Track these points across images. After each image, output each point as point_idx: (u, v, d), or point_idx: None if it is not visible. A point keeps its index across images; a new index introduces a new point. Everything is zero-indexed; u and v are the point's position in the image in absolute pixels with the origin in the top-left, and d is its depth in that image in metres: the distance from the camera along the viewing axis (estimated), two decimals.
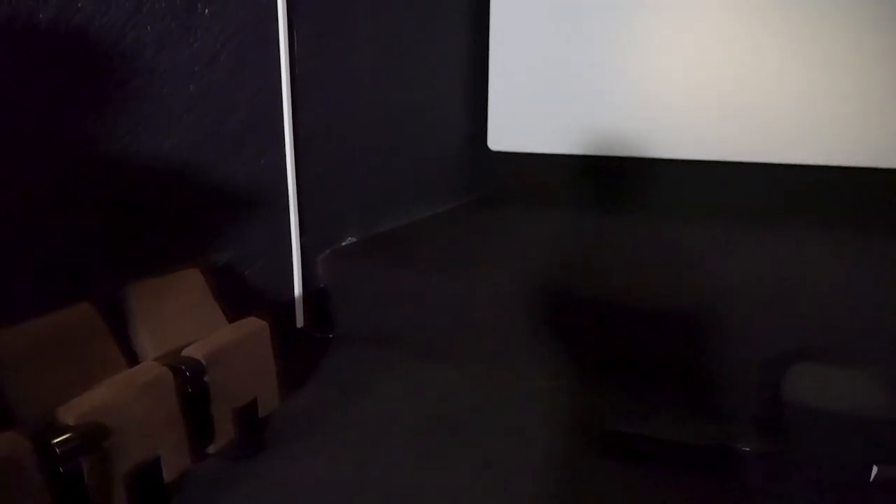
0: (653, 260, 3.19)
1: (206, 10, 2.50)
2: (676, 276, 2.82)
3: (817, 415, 1.96)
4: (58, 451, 1.61)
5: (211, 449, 2.17)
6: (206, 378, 2.09)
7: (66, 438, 1.64)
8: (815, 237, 3.45)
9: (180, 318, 2.28)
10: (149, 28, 2.27)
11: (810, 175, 3.68)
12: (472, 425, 2.38)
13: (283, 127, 2.89)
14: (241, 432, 2.20)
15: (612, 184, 4.35)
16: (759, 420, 2.15)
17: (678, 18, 3.90)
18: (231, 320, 2.44)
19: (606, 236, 3.73)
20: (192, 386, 2.05)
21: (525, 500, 1.89)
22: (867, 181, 3.56)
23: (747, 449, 2.04)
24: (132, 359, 2.16)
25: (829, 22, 3.52)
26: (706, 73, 3.89)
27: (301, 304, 3.05)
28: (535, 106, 4.39)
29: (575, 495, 1.93)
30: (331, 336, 3.08)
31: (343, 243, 3.36)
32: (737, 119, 3.84)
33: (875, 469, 1.75)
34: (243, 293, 2.78)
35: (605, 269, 2.99)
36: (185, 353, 2.11)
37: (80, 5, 2.04)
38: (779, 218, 3.75)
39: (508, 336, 2.77)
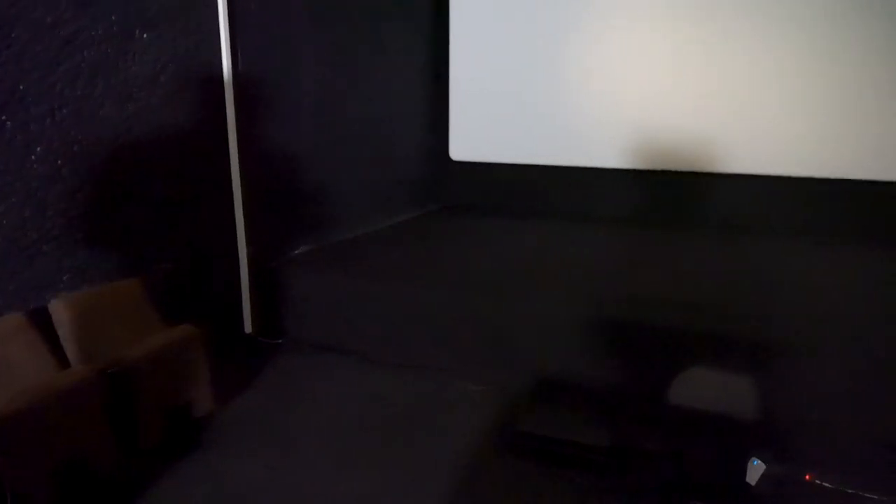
0: (593, 267, 3.29)
1: (145, 35, 2.64)
2: (611, 284, 2.91)
3: (698, 415, 2.07)
4: None
5: (139, 449, 2.25)
6: (132, 382, 2.22)
7: None
8: (738, 245, 3.54)
9: (113, 327, 2.41)
10: (85, 54, 2.41)
11: (761, 184, 3.78)
12: (403, 427, 2.48)
13: (227, 140, 3.01)
14: (171, 434, 2.31)
15: (568, 192, 4.45)
16: (658, 422, 2.25)
17: (634, 34, 4.01)
18: (172, 327, 2.56)
19: (551, 244, 3.83)
20: (117, 390, 2.18)
21: (442, 499, 1.99)
22: (814, 190, 3.65)
23: (651, 449, 2.14)
24: (65, 366, 2.28)
25: (784, 34, 3.61)
26: (660, 86, 4.00)
27: (250, 311, 3.18)
28: (495, 117, 4.49)
29: (491, 495, 2.04)
30: (280, 342, 3.20)
31: (296, 252, 3.48)
32: (692, 130, 3.95)
33: (752, 464, 1.85)
34: (189, 301, 2.91)
35: (546, 276, 3.09)
36: (112, 359, 2.24)
37: (14, 36, 2.19)
38: (723, 226, 3.84)
39: (446, 342, 2.88)
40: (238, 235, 3.07)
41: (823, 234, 3.52)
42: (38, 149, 2.24)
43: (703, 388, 2.11)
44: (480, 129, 4.59)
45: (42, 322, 2.24)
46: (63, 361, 2.26)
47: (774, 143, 3.65)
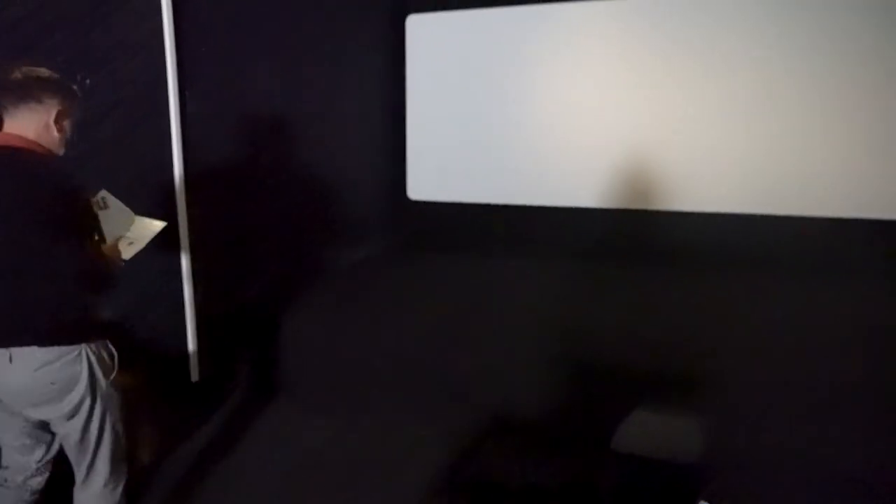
0: (547, 306, 3.29)
1: (87, 81, 2.60)
2: (566, 323, 2.91)
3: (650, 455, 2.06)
4: None
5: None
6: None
7: None
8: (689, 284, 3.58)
9: None
10: None
11: (721, 222, 3.84)
12: (354, 473, 2.42)
13: (174, 183, 2.96)
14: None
15: (529, 231, 4.48)
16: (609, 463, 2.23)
17: (591, 73, 4.08)
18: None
19: (508, 283, 3.83)
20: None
21: None
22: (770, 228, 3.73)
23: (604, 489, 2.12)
24: None
25: (745, 70, 3.67)
26: (616, 123, 4.07)
27: (196, 359, 3.09)
28: (453, 155, 4.51)
29: None
30: (227, 389, 3.10)
31: (245, 296, 3.40)
32: (648, 167, 4.01)
33: None
34: (132, 348, 2.81)
35: (500, 316, 3.08)
36: None
37: None
38: (681, 263, 3.88)
39: (397, 386, 2.83)
40: (184, 281, 3.00)
41: (784, 269, 3.56)
42: None
43: (655, 427, 2.11)
44: (438, 169, 4.61)
45: None
46: None
47: (735, 181, 3.74)
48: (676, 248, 3.99)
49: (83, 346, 1.53)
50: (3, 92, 1.46)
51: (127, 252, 1.71)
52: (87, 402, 1.56)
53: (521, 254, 4.38)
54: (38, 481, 1.71)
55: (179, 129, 2.89)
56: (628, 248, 4.19)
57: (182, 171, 2.94)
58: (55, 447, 1.72)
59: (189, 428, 2.76)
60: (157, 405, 2.50)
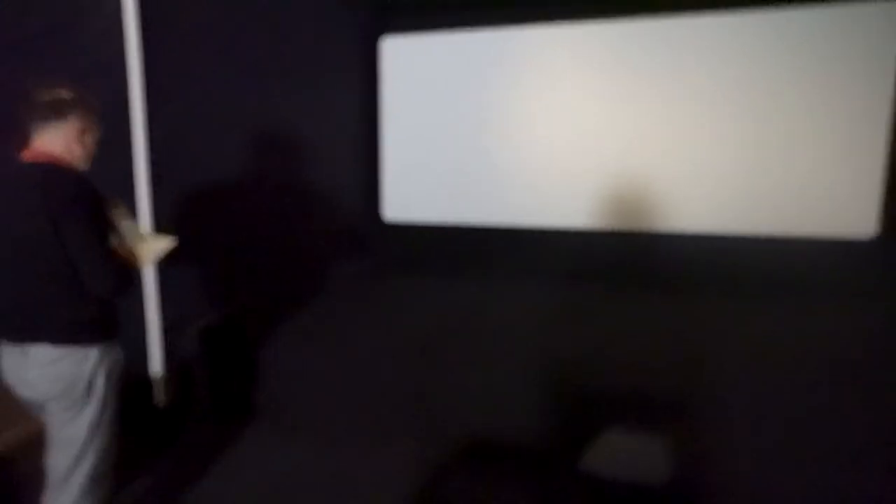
0: (519, 329, 3.26)
1: None
2: (536, 345, 2.89)
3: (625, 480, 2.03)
4: None
5: None
6: (24, 457, 2.04)
7: None
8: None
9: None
10: None
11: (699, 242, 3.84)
12: (318, 495, 2.37)
13: (139, 205, 2.93)
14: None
15: (505, 253, 4.46)
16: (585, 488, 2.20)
17: (569, 95, 4.08)
18: None
19: (483, 306, 3.80)
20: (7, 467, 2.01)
21: None
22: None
23: None
24: None
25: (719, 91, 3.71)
26: (594, 145, 4.08)
27: (161, 383, 3.03)
28: (429, 177, 4.49)
29: None
30: (192, 413, 3.05)
31: (211, 321, 3.34)
32: (626, 189, 4.03)
33: None
34: None
35: (472, 339, 3.05)
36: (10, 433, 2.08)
37: None
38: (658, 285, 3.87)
39: (367, 409, 2.79)
40: (148, 304, 2.96)
41: (760, 290, 3.55)
42: None
43: (625, 449, 2.08)
44: (414, 191, 4.60)
45: None
46: None
47: (717, 201, 3.76)
48: (656, 269, 3.97)
49: (94, 346, 1.60)
50: (32, 111, 1.60)
51: (144, 261, 1.82)
52: (84, 402, 1.61)
53: (498, 276, 4.36)
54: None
55: (146, 152, 2.87)
56: (606, 270, 4.17)
57: (149, 193, 2.91)
58: None
59: (154, 455, 2.69)
60: (119, 432, 2.43)
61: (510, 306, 3.81)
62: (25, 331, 1.55)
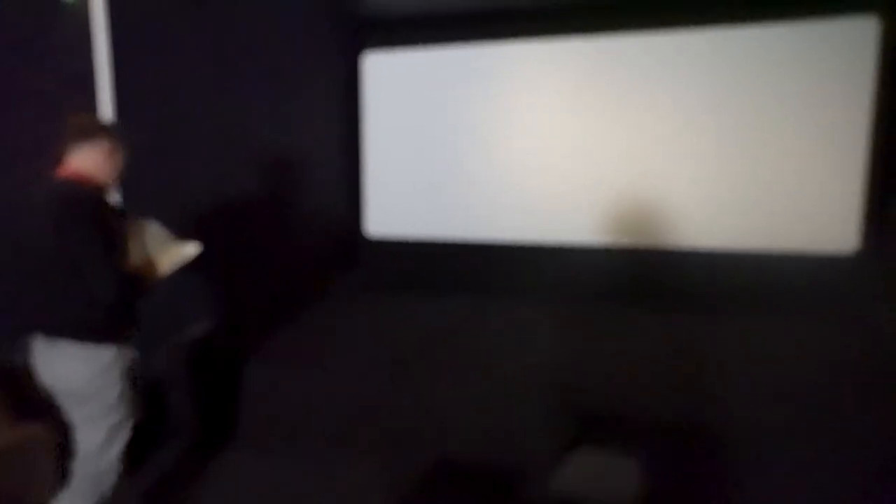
0: (501, 346, 3.19)
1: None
2: (515, 363, 2.83)
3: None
4: None
5: None
6: None
7: None
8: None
9: None
10: None
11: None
12: None
13: None
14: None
15: (488, 268, 4.42)
16: None
17: (549, 109, 4.06)
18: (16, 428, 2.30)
19: (465, 324, 3.72)
20: None
21: None
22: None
23: None
24: None
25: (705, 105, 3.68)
26: (576, 159, 4.02)
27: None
28: (411, 193, 4.44)
29: None
30: (164, 437, 2.93)
31: (186, 337, 3.24)
32: (609, 204, 3.98)
33: None
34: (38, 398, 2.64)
35: (450, 359, 2.97)
36: None
37: None
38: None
39: (338, 430, 2.71)
40: None
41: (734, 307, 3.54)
42: None
43: (593, 470, 2.03)
44: (396, 206, 4.55)
45: None
46: None
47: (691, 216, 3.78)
48: (640, 285, 3.92)
49: (107, 346, 1.77)
50: (69, 135, 1.82)
51: (162, 269, 1.96)
52: (98, 396, 1.78)
53: (479, 291, 4.30)
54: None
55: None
56: (587, 285, 4.13)
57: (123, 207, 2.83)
58: None
59: (122, 476, 2.58)
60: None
61: (489, 322, 3.75)
62: (53, 326, 1.75)
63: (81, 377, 1.76)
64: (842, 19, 3.41)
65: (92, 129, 1.85)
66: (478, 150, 4.38)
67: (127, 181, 2.66)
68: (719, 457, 2.07)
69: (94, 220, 1.72)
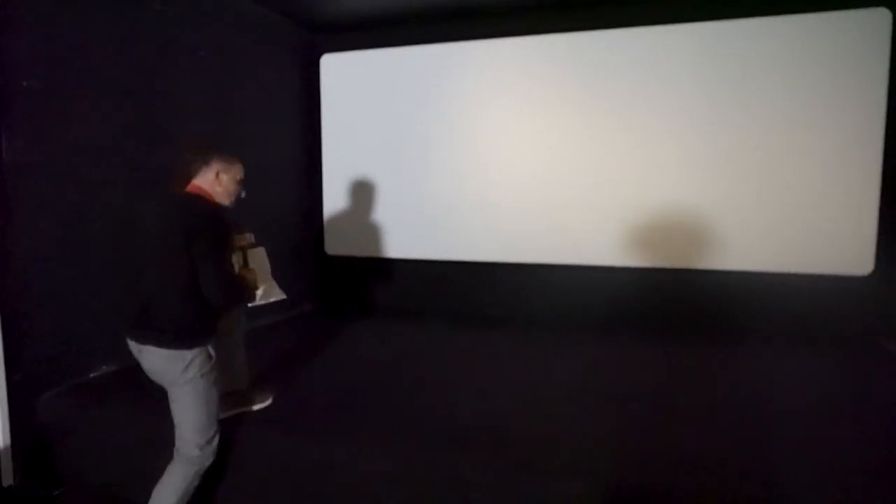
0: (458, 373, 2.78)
1: None
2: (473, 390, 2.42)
3: None
4: None
5: None
6: None
7: None
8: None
9: None
10: None
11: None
12: None
13: None
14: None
15: (447, 288, 4.03)
16: None
17: (508, 127, 3.75)
18: None
19: (418, 347, 3.29)
20: None
21: None
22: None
23: None
24: None
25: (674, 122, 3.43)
26: (532, 171, 3.71)
27: (9, 458, 2.45)
28: (366, 215, 4.08)
29: None
30: (53, 494, 2.46)
31: (90, 375, 2.76)
32: (569, 221, 3.66)
33: None
34: None
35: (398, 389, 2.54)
36: None
37: None
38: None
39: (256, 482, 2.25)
40: None
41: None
42: None
43: None
44: (352, 227, 4.16)
45: None
46: None
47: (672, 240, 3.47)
48: (624, 305, 3.59)
49: (190, 350, 1.92)
50: (190, 158, 2.03)
51: (259, 291, 2.16)
52: (175, 389, 1.95)
53: (442, 314, 3.91)
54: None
55: None
56: (538, 303, 3.83)
57: None
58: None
59: None
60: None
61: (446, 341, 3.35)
62: (141, 335, 1.93)
63: (164, 374, 1.94)
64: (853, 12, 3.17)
65: (206, 154, 2.04)
66: (435, 172, 4.03)
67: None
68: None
69: (214, 229, 1.91)
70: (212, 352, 2.02)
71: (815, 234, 3.27)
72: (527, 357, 3.09)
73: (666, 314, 3.56)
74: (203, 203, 1.99)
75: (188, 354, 1.93)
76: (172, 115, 3.07)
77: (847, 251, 3.20)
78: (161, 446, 2.07)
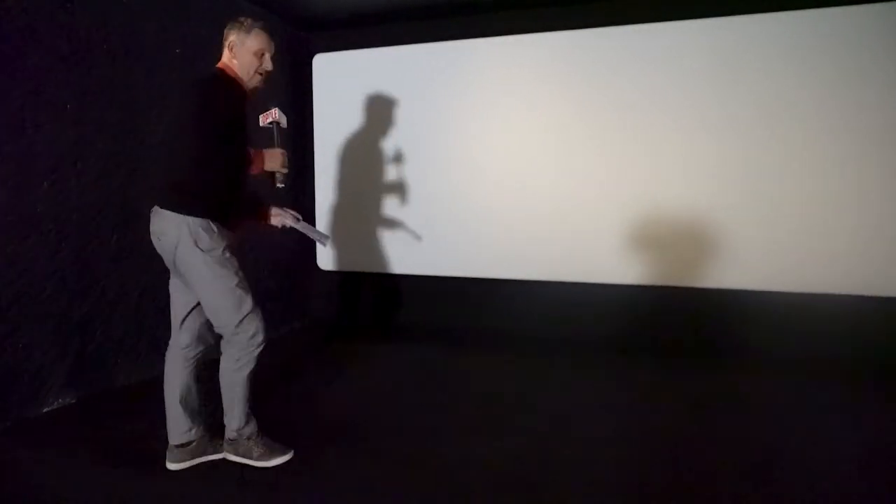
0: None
1: None
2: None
3: None
4: None
5: None
6: None
7: None
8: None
9: None
10: None
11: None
12: None
13: None
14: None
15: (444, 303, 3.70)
16: None
17: (496, 134, 3.45)
18: None
19: (405, 371, 2.95)
20: None
21: None
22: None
23: None
24: None
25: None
26: (526, 186, 3.41)
27: None
28: (360, 226, 3.76)
29: None
30: None
31: (45, 409, 2.40)
32: (557, 238, 3.36)
33: None
34: None
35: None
36: None
37: None
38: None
39: None
40: None
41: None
42: None
43: None
44: (346, 242, 3.85)
45: None
46: None
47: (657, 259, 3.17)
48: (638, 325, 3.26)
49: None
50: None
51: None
52: (184, 268, 1.85)
53: (434, 333, 3.58)
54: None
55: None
56: (539, 321, 3.54)
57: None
58: None
59: None
60: None
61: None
62: (151, 195, 1.90)
63: (168, 239, 1.83)
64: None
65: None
66: (426, 187, 3.72)
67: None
68: None
69: (205, 101, 1.77)
70: (216, 228, 1.85)
71: (843, 250, 2.92)
72: (527, 380, 2.81)
73: (684, 335, 3.25)
74: (212, 77, 1.86)
75: (188, 221, 1.80)
76: (157, 116, 2.76)
77: (882, 270, 2.86)
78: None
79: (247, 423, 1.95)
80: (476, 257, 3.53)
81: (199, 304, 1.94)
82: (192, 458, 1.94)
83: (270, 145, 1.96)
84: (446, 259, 3.58)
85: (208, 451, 1.97)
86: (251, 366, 1.92)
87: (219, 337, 1.95)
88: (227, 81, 1.88)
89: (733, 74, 3.01)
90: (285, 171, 1.96)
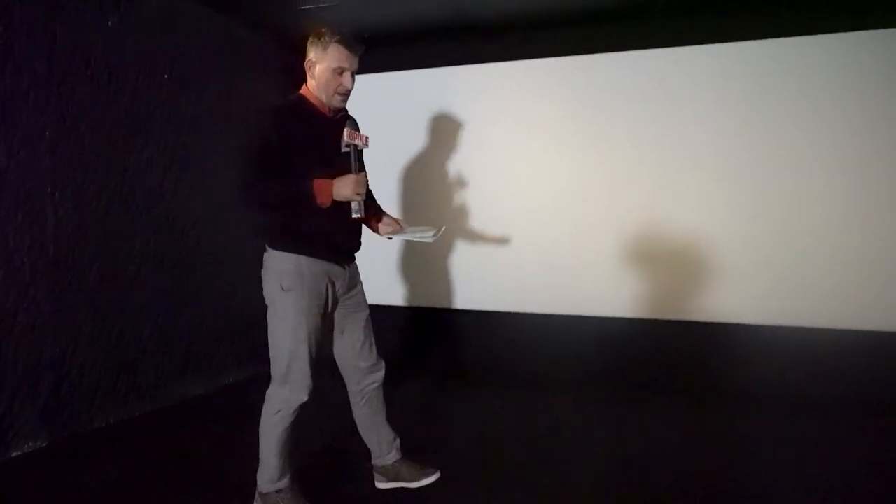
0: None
1: None
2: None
3: None
4: None
5: None
6: None
7: None
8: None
9: None
10: None
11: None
12: None
13: None
14: None
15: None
16: None
17: (501, 161, 3.37)
18: None
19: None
20: None
21: None
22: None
23: None
24: None
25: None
26: (530, 216, 3.34)
27: None
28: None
29: None
30: None
31: (14, 454, 2.24)
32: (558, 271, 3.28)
33: None
34: None
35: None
36: None
37: None
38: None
39: None
40: None
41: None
42: None
43: None
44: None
45: None
46: None
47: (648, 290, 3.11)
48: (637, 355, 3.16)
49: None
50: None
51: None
52: (268, 303, 1.77)
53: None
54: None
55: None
56: (544, 356, 3.38)
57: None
58: None
59: None
60: None
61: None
62: None
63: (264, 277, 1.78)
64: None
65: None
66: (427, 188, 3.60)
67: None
68: None
69: (265, 129, 1.65)
70: (299, 264, 1.73)
71: (858, 285, 2.82)
72: (533, 418, 2.69)
73: (695, 372, 3.09)
74: (283, 102, 1.75)
75: (273, 255, 1.74)
76: (141, 143, 2.65)
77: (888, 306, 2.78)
78: None
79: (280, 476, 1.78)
80: (479, 291, 3.44)
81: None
82: (390, 480, 1.95)
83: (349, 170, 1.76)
84: (447, 292, 3.47)
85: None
86: (285, 424, 1.75)
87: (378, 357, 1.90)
88: (289, 108, 1.74)
89: (741, 106, 2.95)
90: (359, 198, 1.73)
